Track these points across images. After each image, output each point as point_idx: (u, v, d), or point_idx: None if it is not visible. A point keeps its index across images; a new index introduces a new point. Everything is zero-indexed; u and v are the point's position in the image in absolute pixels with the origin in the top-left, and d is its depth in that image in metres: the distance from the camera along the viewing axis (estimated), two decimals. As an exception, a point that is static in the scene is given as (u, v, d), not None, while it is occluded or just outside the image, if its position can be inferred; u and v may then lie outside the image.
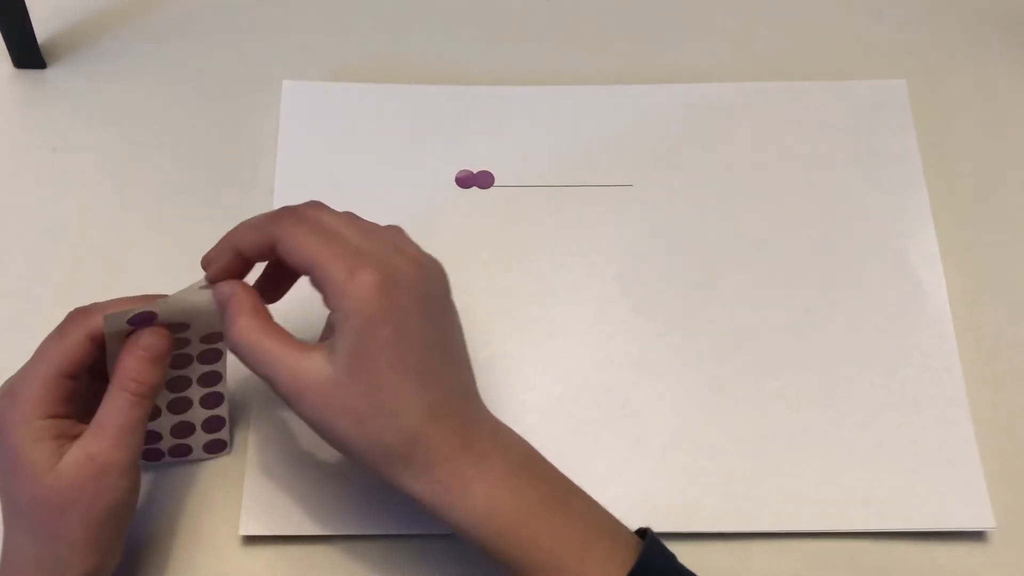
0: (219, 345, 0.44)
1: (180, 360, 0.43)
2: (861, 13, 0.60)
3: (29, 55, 0.55)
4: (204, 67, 0.57)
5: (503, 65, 0.57)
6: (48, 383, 0.38)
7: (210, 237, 0.50)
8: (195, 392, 0.45)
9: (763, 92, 0.56)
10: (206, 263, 0.40)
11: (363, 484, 0.45)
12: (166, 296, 0.40)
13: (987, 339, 0.50)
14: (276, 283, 0.42)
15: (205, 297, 0.40)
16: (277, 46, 0.57)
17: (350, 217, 0.39)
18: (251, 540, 0.44)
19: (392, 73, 0.56)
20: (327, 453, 0.46)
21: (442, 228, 0.52)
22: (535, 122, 0.54)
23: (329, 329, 0.42)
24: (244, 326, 0.37)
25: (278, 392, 0.37)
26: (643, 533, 0.39)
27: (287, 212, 0.39)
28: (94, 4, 0.58)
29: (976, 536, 0.45)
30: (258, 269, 0.42)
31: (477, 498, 0.36)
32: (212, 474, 0.46)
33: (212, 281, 0.40)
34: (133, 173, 0.53)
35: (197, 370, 0.44)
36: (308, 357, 0.36)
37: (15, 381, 0.39)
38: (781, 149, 0.54)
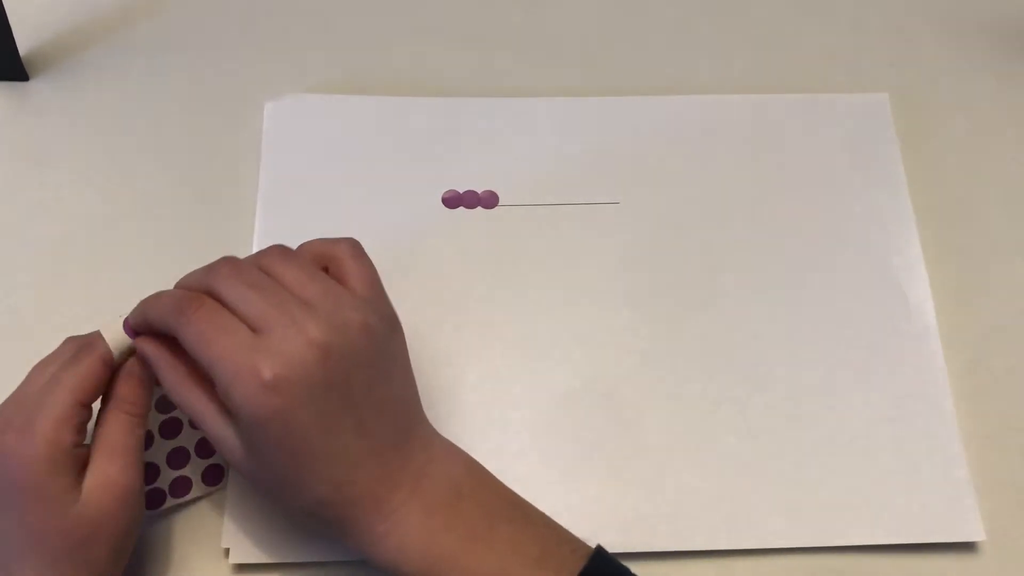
0: None
1: None
2: (843, 26, 0.61)
3: (11, 68, 0.55)
4: (188, 80, 0.56)
5: (486, 78, 0.57)
6: (67, 413, 0.38)
7: (194, 251, 0.50)
8: (183, 413, 0.45)
9: (746, 105, 0.56)
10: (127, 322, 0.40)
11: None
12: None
13: (973, 350, 0.50)
14: None
15: None
16: (260, 59, 0.57)
17: (265, 279, 0.38)
18: (242, 568, 0.44)
19: (376, 86, 0.56)
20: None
21: (428, 246, 0.51)
22: (520, 134, 0.54)
23: None
24: (171, 383, 0.38)
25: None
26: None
27: (186, 301, 0.37)
28: (77, 17, 0.58)
29: (966, 548, 0.45)
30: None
31: (390, 550, 0.38)
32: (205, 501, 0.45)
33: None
34: (116, 187, 0.53)
35: None
36: (226, 426, 0.37)
37: (29, 412, 0.38)
38: (764, 162, 0.55)
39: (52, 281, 0.50)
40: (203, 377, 0.37)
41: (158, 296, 0.39)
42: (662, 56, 0.59)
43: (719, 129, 0.56)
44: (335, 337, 0.36)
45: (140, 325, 0.39)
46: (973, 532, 0.45)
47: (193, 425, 0.45)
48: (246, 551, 0.43)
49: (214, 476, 0.45)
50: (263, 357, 0.35)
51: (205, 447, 0.45)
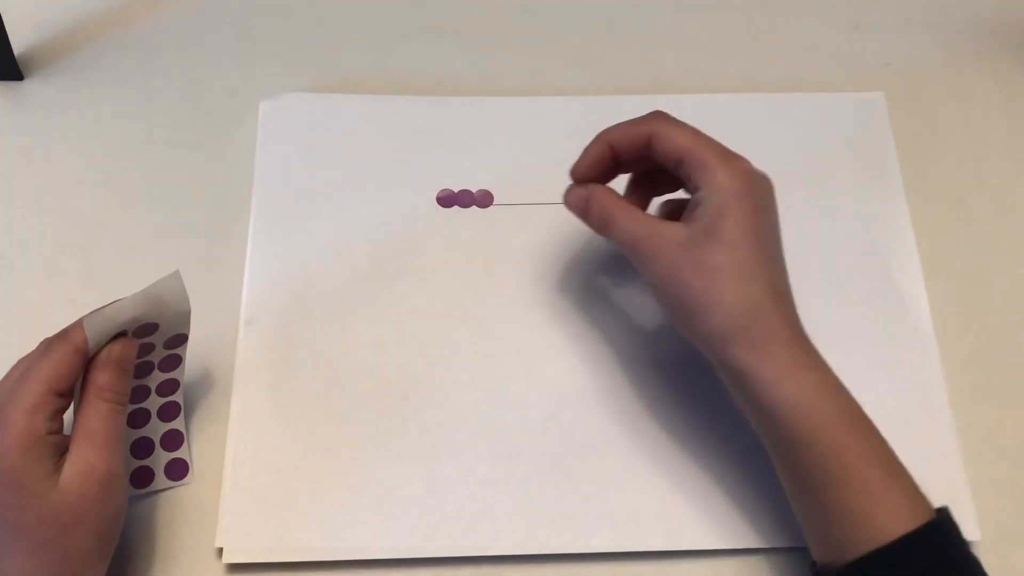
0: (179, 351, 0.44)
1: (142, 369, 0.43)
2: (839, 25, 0.61)
3: (6, 67, 0.55)
4: (182, 79, 0.56)
5: (481, 77, 0.57)
6: (40, 402, 0.38)
7: (189, 249, 0.51)
8: (153, 403, 0.45)
9: (742, 104, 0.56)
10: (577, 164, 0.44)
11: (349, 508, 0.45)
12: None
13: (969, 349, 0.50)
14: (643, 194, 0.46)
15: (175, 281, 0.40)
16: (256, 58, 0.57)
17: None
18: (235, 567, 0.44)
19: (371, 86, 0.56)
20: (310, 475, 0.45)
21: (422, 245, 0.51)
22: (515, 133, 0.54)
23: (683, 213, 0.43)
24: (601, 204, 0.43)
25: (636, 256, 0.41)
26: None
27: (657, 113, 0.43)
28: (72, 17, 0.58)
29: (961, 547, 0.45)
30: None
31: (808, 383, 0.38)
32: (198, 498, 0.45)
33: (578, 178, 0.44)
34: (111, 186, 0.53)
35: (157, 378, 0.44)
36: (666, 225, 0.41)
37: (2, 404, 0.38)
38: (760, 161, 0.54)
39: (48, 279, 0.50)
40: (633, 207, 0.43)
41: (614, 125, 0.43)
42: (657, 55, 0.59)
43: (715, 128, 0.55)
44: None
45: (595, 146, 0.43)
46: (969, 531, 0.45)
47: (161, 417, 0.45)
48: (240, 551, 0.43)
49: (178, 470, 0.45)
50: (741, 156, 0.41)
51: (170, 440, 0.45)
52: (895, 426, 0.47)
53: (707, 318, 0.39)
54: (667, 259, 0.40)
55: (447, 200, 0.52)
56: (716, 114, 0.55)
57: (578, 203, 0.44)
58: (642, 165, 0.44)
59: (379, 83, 0.56)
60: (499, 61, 0.58)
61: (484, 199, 0.52)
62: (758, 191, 0.41)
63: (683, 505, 0.45)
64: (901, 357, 0.49)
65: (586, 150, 0.44)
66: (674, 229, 0.41)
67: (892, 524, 0.37)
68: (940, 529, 0.38)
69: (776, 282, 0.40)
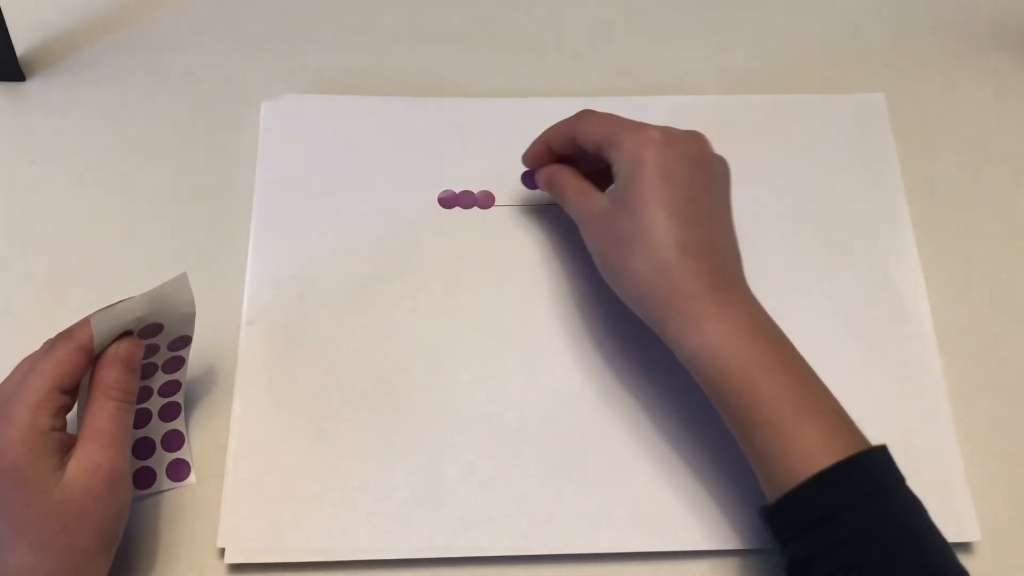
0: (183, 352, 0.44)
1: (146, 370, 0.43)
2: (839, 26, 0.61)
3: (8, 68, 0.55)
4: (184, 79, 0.56)
5: (482, 78, 0.57)
6: (44, 397, 0.38)
7: (190, 250, 0.51)
8: (155, 403, 0.45)
9: (742, 105, 0.56)
10: (525, 157, 0.49)
11: (350, 509, 0.45)
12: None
13: (969, 350, 0.50)
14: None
15: (182, 283, 0.40)
16: (257, 59, 0.57)
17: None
18: (237, 568, 0.44)
19: (372, 87, 0.56)
20: (311, 475, 0.45)
21: (424, 247, 0.51)
22: (516, 134, 0.54)
23: None
24: (558, 181, 0.47)
25: (580, 229, 0.46)
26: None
27: (583, 111, 0.46)
28: (74, 17, 0.58)
29: (962, 548, 0.45)
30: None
31: (711, 335, 0.40)
32: (200, 498, 0.45)
33: (529, 164, 0.49)
34: (112, 186, 0.53)
35: (160, 380, 0.44)
36: (596, 197, 0.44)
37: (5, 401, 0.38)
38: (760, 163, 0.55)
39: (49, 280, 0.50)
40: (582, 181, 0.46)
41: (550, 126, 0.48)
42: (657, 56, 0.59)
43: (715, 129, 0.55)
44: (712, 153, 0.45)
45: (536, 145, 0.49)
46: (969, 532, 0.45)
47: (162, 418, 0.45)
48: (241, 551, 0.44)
49: (179, 471, 0.45)
50: (657, 129, 0.43)
51: (171, 440, 0.45)
52: (895, 426, 0.47)
53: (623, 282, 0.43)
54: (593, 230, 0.44)
55: (448, 201, 0.52)
56: (716, 115, 0.56)
57: (543, 181, 0.49)
58: (580, 157, 0.47)
59: (381, 84, 0.57)
60: (500, 62, 0.58)
61: (485, 200, 0.53)
62: (664, 156, 0.42)
63: (684, 505, 0.45)
64: (901, 357, 0.49)
65: (527, 149, 0.49)
66: (598, 200, 0.44)
67: (804, 464, 0.37)
68: (857, 468, 0.37)
69: (686, 241, 0.41)
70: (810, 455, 0.37)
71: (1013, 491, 0.47)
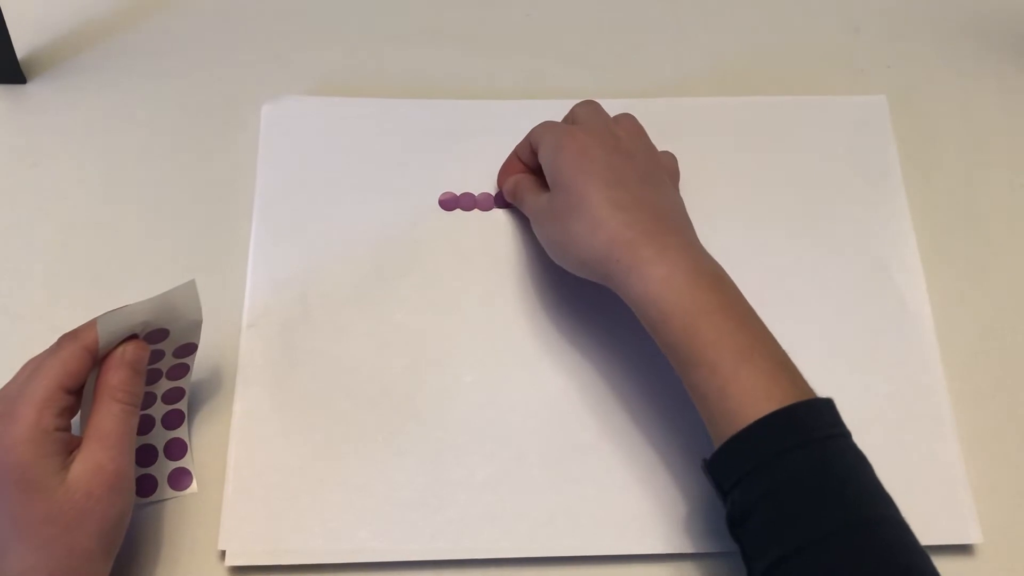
0: (187, 360, 0.44)
1: (150, 376, 0.43)
2: (840, 28, 0.61)
3: (9, 70, 0.55)
4: (184, 83, 0.56)
5: (483, 80, 0.57)
6: (49, 397, 0.38)
7: (190, 253, 0.51)
8: (158, 410, 0.45)
9: (744, 107, 0.56)
10: (499, 175, 0.53)
11: (351, 511, 0.45)
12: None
13: (970, 352, 0.50)
14: None
15: (190, 290, 0.41)
16: (257, 61, 0.57)
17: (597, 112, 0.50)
18: (238, 570, 0.44)
19: (372, 89, 0.56)
20: (312, 477, 0.45)
21: (424, 249, 0.51)
22: (517, 137, 0.54)
23: None
24: (518, 188, 0.50)
25: (531, 221, 0.49)
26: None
27: (540, 124, 0.50)
28: (74, 20, 0.58)
29: (963, 550, 0.45)
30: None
31: (650, 279, 0.40)
32: (201, 501, 0.45)
33: (500, 184, 0.52)
34: (113, 189, 0.53)
35: (164, 386, 0.44)
36: (540, 195, 0.47)
37: (11, 400, 0.38)
38: (762, 164, 0.55)
39: (50, 283, 0.50)
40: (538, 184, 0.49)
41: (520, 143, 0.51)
42: (659, 58, 0.59)
43: (717, 131, 0.56)
44: (643, 147, 0.48)
45: (508, 161, 0.52)
46: (970, 534, 0.45)
47: (166, 425, 0.45)
48: (242, 553, 0.44)
49: (181, 480, 0.45)
50: (576, 126, 0.47)
51: (174, 449, 0.45)
52: (895, 426, 0.47)
53: (568, 254, 0.44)
54: (539, 219, 0.47)
55: (449, 203, 0.52)
56: (718, 118, 0.56)
57: (507, 192, 0.51)
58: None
59: (381, 86, 0.57)
60: (501, 64, 0.58)
61: (486, 202, 0.53)
62: (578, 140, 0.46)
63: (686, 508, 0.45)
64: (901, 357, 0.49)
65: (503, 164, 0.52)
66: (542, 199, 0.47)
67: (743, 407, 0.37)
68: (796, 416, 0.37)
69: (617, 198, 0.43)
70: (751, 400, 0.37)
71: (1015, 493, 0.47)
